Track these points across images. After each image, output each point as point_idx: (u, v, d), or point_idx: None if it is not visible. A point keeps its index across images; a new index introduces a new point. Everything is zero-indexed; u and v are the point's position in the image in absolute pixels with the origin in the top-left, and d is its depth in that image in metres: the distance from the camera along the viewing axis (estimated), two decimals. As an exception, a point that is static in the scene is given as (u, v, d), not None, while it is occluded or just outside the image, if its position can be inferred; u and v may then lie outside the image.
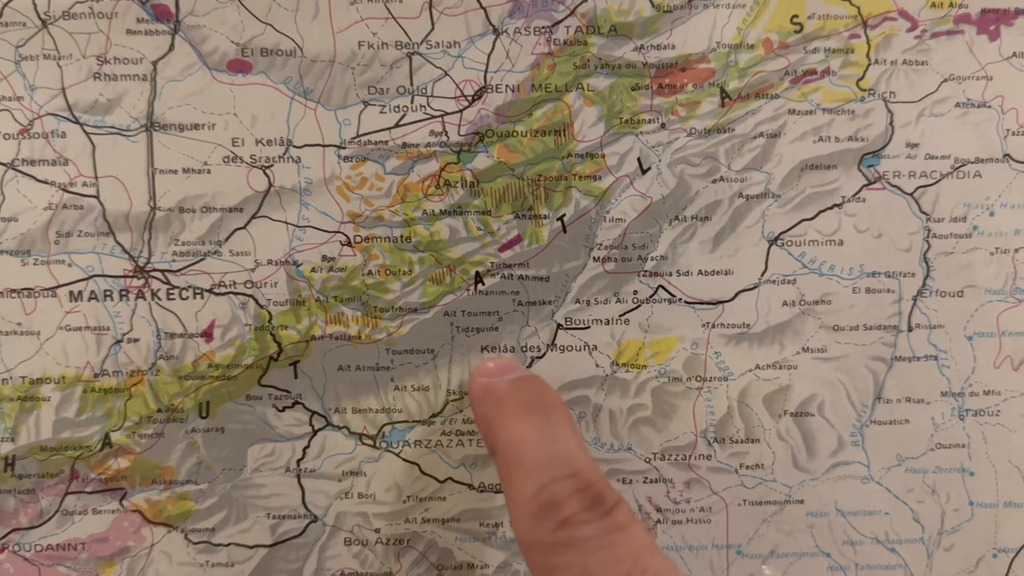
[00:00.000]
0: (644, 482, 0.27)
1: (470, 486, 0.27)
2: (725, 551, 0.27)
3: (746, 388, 0.27)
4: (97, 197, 0.26)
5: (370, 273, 0.26)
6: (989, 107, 0.26)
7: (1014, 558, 0.27)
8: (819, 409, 0.27)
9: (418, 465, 0.27)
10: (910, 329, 0.27)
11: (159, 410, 0.26)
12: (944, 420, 0.27)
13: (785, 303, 0.26)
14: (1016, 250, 0.26)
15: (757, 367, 0.27)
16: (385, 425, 0.27)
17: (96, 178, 0.26)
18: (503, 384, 0.23)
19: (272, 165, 0.26)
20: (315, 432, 0.26)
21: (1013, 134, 0.26)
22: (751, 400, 0.27)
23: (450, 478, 0.27)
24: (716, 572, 0.27)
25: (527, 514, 0.20)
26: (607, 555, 0.19)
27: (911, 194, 0.26)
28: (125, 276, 0.26)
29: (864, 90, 0.26)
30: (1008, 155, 0.26)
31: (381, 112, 0.26)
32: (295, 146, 0.26)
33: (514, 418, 0.22)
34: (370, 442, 0.27)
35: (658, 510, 0.27)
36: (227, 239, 0.26)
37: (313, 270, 0.26)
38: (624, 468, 0.27)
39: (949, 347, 0.27)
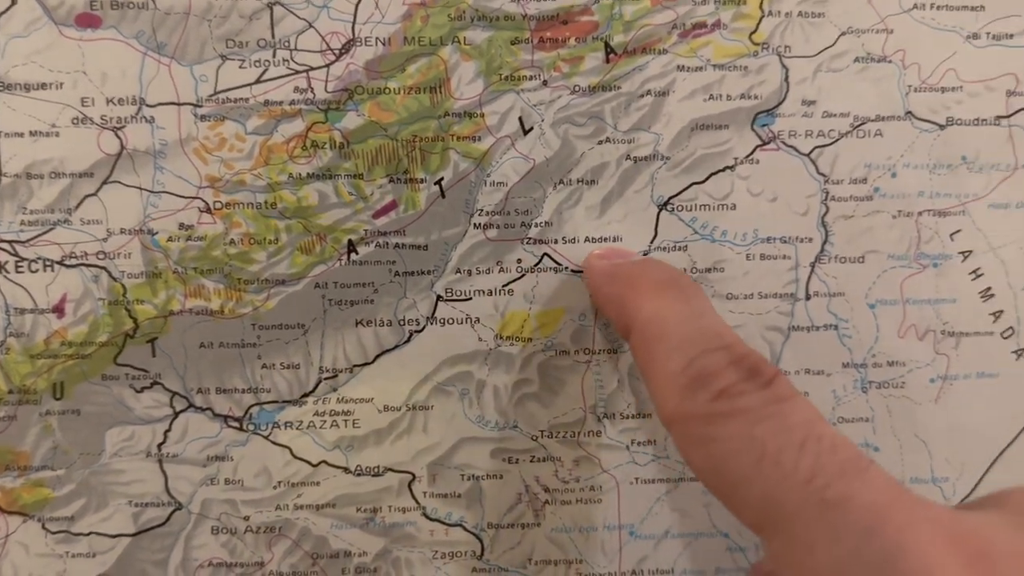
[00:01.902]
0: (531, 461, 0.25)
1: (346, 469, 0.25)
2: (617, 532, 0.26)
3: (637, 361, 0.25)
4: (-74, 161, 0.23)
5: (232, 242, 0.24)
6: (890, 62, 0.25)
7: (917, 533, 0.26)
8: (714, 382, 0.25)
9: (289, 448, 0.25)
10: (808, 297, 0.25)
11: (10, 391, 0.24)
12: (846, 392, 0.26)
13: (677, 271, 0.25)
14: (920, 213, 0.25)
15: (649, 339, 0.25)
16: (252, 406, 0.25)
17: (-76, 140, 0.23)
18: (632, 264, 0.23)
19: (124, 126, 0.24)
20: (176, 414, 0.25)
21: (915, 90, 0.25)
22: (643, 374, 0.25)
23: (324, 461, 0.25)
24: (608, 554, 0.26)
25: (677, 387, 0.19)
26: (776, 424, 0.17)
27: (808, 155, 0.25)
28: (-40, 247, 0.24)
29: (757, 44, 0.24)
30: (910, 113, 0.25)
31: (241, 67, 0.24)
32: (148, 105, 0.24)
33: (652, 294, 0.21)
34: (236, 424, 0.25)
35: (546, 490, 0.25)
36: (77, 207, 0.24)
37: (170, 239, 0.24)
38: (510, 447, 0.25)
39: (850, 316, 0.25)
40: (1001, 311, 0.26)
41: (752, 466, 0.17)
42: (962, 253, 0.25)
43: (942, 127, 0.25)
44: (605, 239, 0.25)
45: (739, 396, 0.18)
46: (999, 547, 0.15)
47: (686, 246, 0.25)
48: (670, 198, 0.25)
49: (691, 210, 0.25)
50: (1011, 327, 0.26)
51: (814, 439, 0.17)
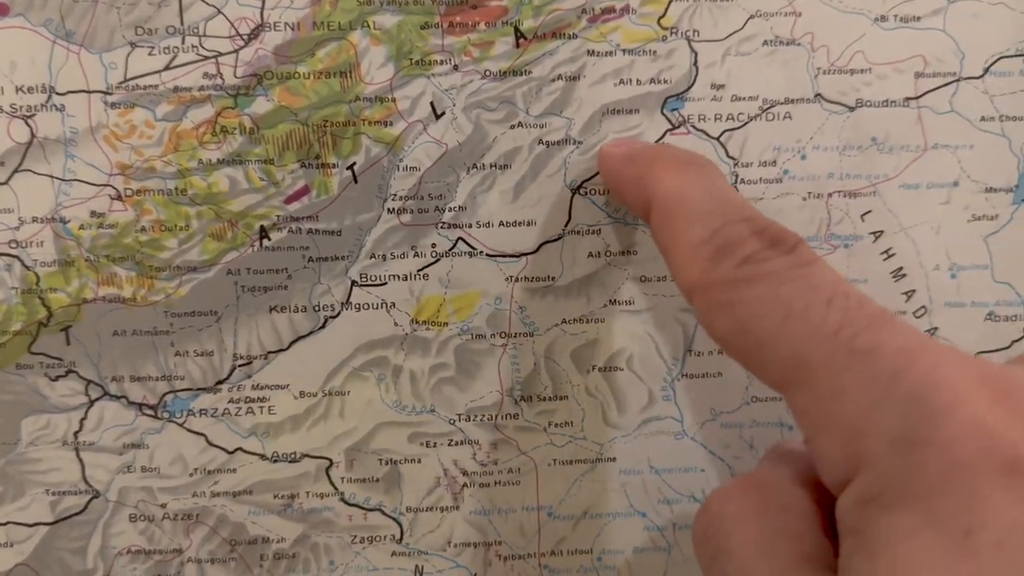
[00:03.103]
0: (449, 445, 0.25)
1: (262, 456, 0.25)
2: (536, 513, 0.26)
3: (552, 343, 0.25)
4: None
5: (143, 229, 0.24)
6: (798, 45, 0.25)
7: (834, 511, 0.27)
8: (628, 363, 0.26)
9: (204, 436, 0.25)
10: (720, 279, 0.25)
11: (-75, 383, 0.24)
12: (758, 372, 0.26)
13: (591, 254, 0.25)
14: (829, 194, 0.26)
15: (564, 321, 0.25)
16: (167, 394, 0.25)
17: None
18: (650, 146, 0.24)
19: (34, 114, 0.24)
20: (92, 402, 0.25)
21: (824, 73, 0.25)
22: (558, 356, 0.25)
23: (240, 448, 0.25)
24: (527, 535, 0.26)
25: (700, 256, 0.19)
26: (802, 284, 0.17)
27: (717, 138, 0.25)
28: None
29: (666, 29, 0.25)
30: (819, 95, 0.25)
31: (150, 54, 0.24)
32: (58, 93, 0.24)
33: (672, 171, 0.21)
34: (151, 412, 0.25)
35: (464, 473, 0.26)
36: (-13, 196, 0.24)
37: (82, 227, 0.24)
38: (427, 431, 0.25)
39: (761, 297, 0.26)
40: (913, 290, 0.26)
41: (779, 323, 0.17)
42: (873, 234, 0.26)
43: (851, 109, 0.25)
44: (519, 223, 0.25)
45: (764, 262, 0.18)
46: None
47: (599, 230, 0.25)
48: (583, 182, 0.25)
49: (604, 193, 0.25)
50: (923, 306, 0.26)
51: (841, 296, 0.17)
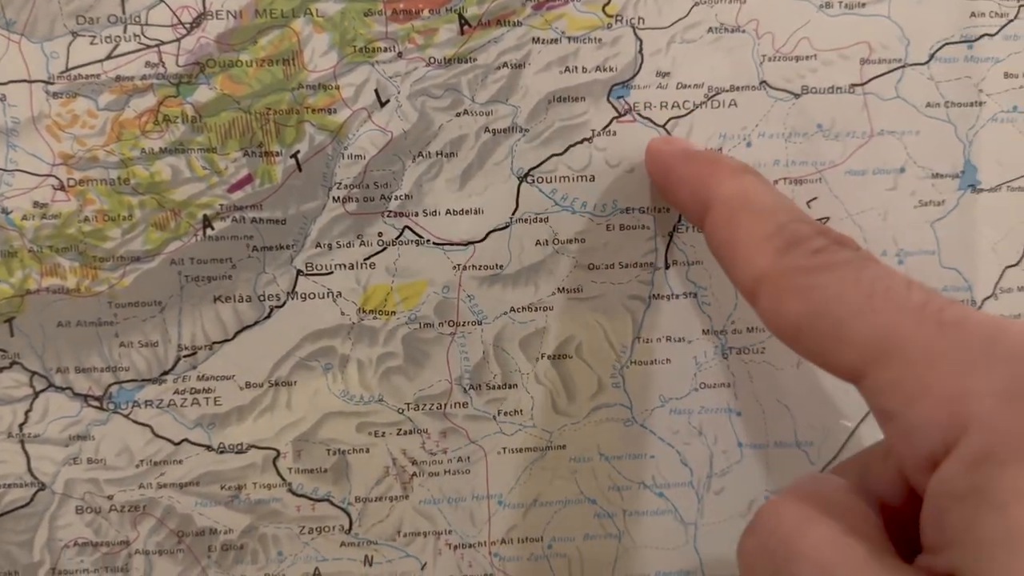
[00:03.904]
0: (398, 434, 0.25)
1: (208, 447, 0.25)
2: (486, 501, 0.26)
3: (501, 332, 0.25)
4: None
5: (86, 219, 0.24)
6: (743, 32, 0.25)
7: (785, 497, 0.27)
8: (577, 351, 0.26)
9: (150, 427, 0.25)
10: (667, 266, 0.26)
11: None
12: (707, 359, 0.26)
13: (538, 242, 0.25)
14: (776, 181, 0.26)
15: (512, 310, 0.25)
16: (112, 385, 0.25)
17: None
18: (708, 150, 0.25)
19: (-26, 104, 0.24)
20: (37, 394, 0.24)
21: (769, 60, 0.25)
22: (507, 344, 0.25)
23: (186, 440, 0.25)
24: (477, 524, 0.26)
25: (771, 247, 0.19)
26: (880, 270, 0.18)
27: (663, 126, 0.25)
28: None
29: (611, 16, 0.25)
30: (764, 82, 0.25)
31: (92, 43, 0.24)
32: (-1, 82, 0.24)
33: (733, 174, 0.22)
34: (96, 404, 0.25)
35: (413, 462, 0.26)
36: (-72, 187, 0.24)
37: (24, 218, 0.24)
38: (376, 420, 0.25)
39: (709, 284, 0.26)
40: (859, 277, 0.26)
41: (862, 302, 0.17)
42: (820, 220, 0.26)
43: (797, 96, 0.25)
44: (466, 211, 0.25)
45: (836, 253, 0.18)
46: None
47: (547, 217, 0.25)
48: (530, 170, 0.25)
49: (551, 182, 0.25)
50: (869, 292, 0.26)
51: (917, 283, 0.17)
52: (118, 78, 0.24)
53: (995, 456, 0.15)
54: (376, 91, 0.24)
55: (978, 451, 0.15)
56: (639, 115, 0.25)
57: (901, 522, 0.17)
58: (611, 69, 0.25)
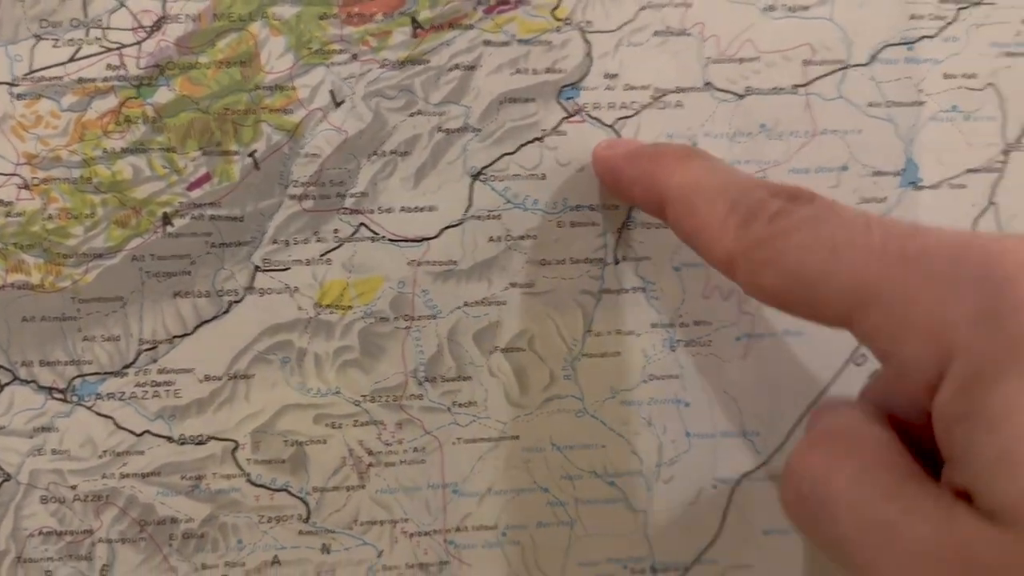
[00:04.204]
0: (354, 425, 0.26)
1: (169, 439, 0.26)
2: (441, 490, 0.27)
3: (455, 326, 0.26)
4: None
5: (50, 217, 0.25)
6: (689, 35, 0.26)
7: (734, 488, 0.28)
8: (529, 344, 0.26)
9: (113, 419, 0.25)
10: (617, 262, 0.26)
11: None
12: (656, 351, 0.27)
13: (491, 239, 0.26)
14: (721, 180, 0.26)
15: (466, 304, 0.26)
16: (75, 378, 0.25)
17: None
18: (648, 145, 0.25)
19: (-60, 105, 0.24)
20: (2, 387, 0.25)
21: (714, 62, 0.26)
22: (461, 337, 0.26)
23: (147, 431, 0.26)
24: (432, 512, 0.27)
25: (730, 227, 0.20)
26: (837, 219, 0.18)
27: (611, 126, 0.26)
28: None
29: (560, 20, 0.25)
30: (709, 83, 0.26)
31: (55, 46, 0.24)
32: (-37, 84, 0.24)
33: (679, 164, 0.22)
34: (60, 396, 0.25)
35: (370, 453, 0.26)
36: None
37: (-11, 216, 0.25)
38: (333, 412, 0.26)
39: (657, 279, 0.27)
40: (803, 272, 0.27)
41: (828, 259, 0.18)
42: (764, 216, 0.27)
43: (741, 97, 0.26)
44: (421, 209, 0.26)
45: (792, 213, 0.19)
46: None
47: (500, 215, 0.26)
48: (482, 168, 0.26)
49: (503, 180, 0.26)
50: (813, 287, 0.27)
51: (874, 220, 0.18)
52: (80, 80, 0.24)
53: (981, 378, 0.15)
54: (331, 92, 0.25)
55: (965, 376, 0.16)
56: (588, 115, 0.26)
57: (929, 436, 0.18)
58: (560, 71, 0.26)
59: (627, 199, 0.25)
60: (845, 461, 0.18)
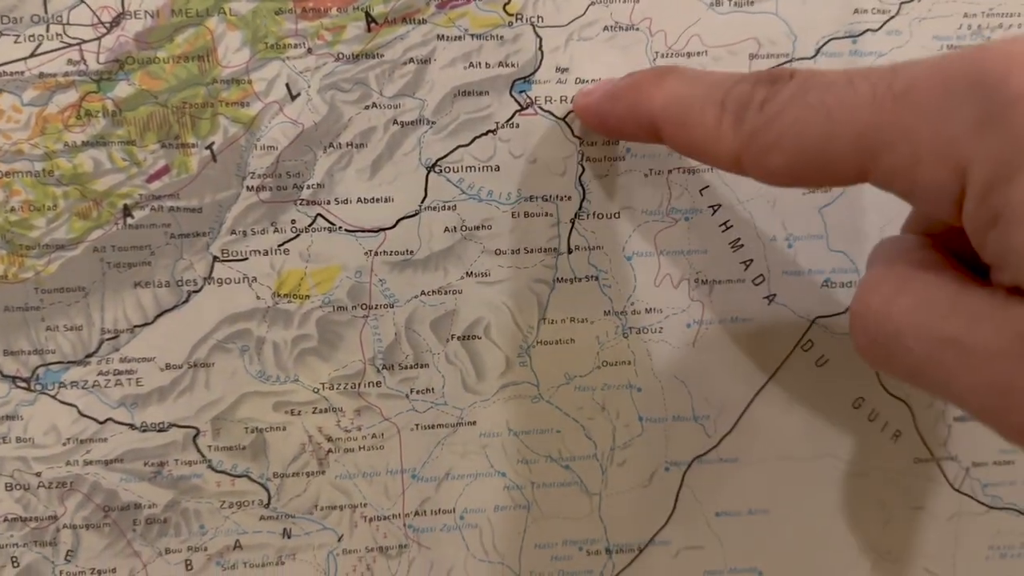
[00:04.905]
0: (313, 412, 0.27)
1: (131, 426, 0.26)
2: (400, 476, 0.27)
3: (412, 314, 0.27)
4: None
5: (13, 210, 0.25)
6: (637, 30, 0.27)
7: (686, 471, 0.28)
8: (486, 332, 0.27)
9: (76, 407, 0.26)
10: (570, 251, 0.27)
11: None
12: (609, 338, 0.27)
13: (447, 229, 0.27)
14: (670, 171, 0.27)
15: (423, 293, 0.27)
16: (39, 367, 0.26)
17: None
18: (621, 79, 0.24)
19: (-97, 100, 0.25)
20: (-34, 377, 0.26)
21: (662, 56, 0.27)
22: (418, 326, 0.27)
23: (110, 419, 0.26)
24: (391, 497, 0.27)
25: (725, 127, 0.20)
26: (821, 86, 0.18)
27: (563, 119, 0.27)
28: None
29: (511, 15, 0.26)
30: (659, 78, 0.27)
31: (15, 42, 0.25)
32: (-75, 79, 0.25)
33: (655, 87, 0.22)
34: (24, 385, 0.26)
35: (329, 440, 0.27)
36: None
37: (-49, 208, 0.25)
38: (292, 400, 0.27)
39: (609, 267, 0.27)
40: (751, 260, 0.28)
41: (825, 125, 0.18)
42: (711, 207, 0.27)
43: (690, 90, 0.27)
44: (377, 199, 0.26)
45: (778, 94, 0.19)
46: None
47: (455, 205, 0.27)
48: (437, 160, 0.26)
49: (458, 171, 0.27)
50: (761, 275, 0.28)
51: (855, 74, 0.18)
52: (41, 75, 0.25)
53: (998, 180, 0.16)
54: (287, 85, 0.26)
55: (983, 184, 0.16)
56: (540, 108, 0.26)
57: (972, 251, 0.18)
58: (513, 65, 0.26)
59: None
60: (901, 295, 0.18)
